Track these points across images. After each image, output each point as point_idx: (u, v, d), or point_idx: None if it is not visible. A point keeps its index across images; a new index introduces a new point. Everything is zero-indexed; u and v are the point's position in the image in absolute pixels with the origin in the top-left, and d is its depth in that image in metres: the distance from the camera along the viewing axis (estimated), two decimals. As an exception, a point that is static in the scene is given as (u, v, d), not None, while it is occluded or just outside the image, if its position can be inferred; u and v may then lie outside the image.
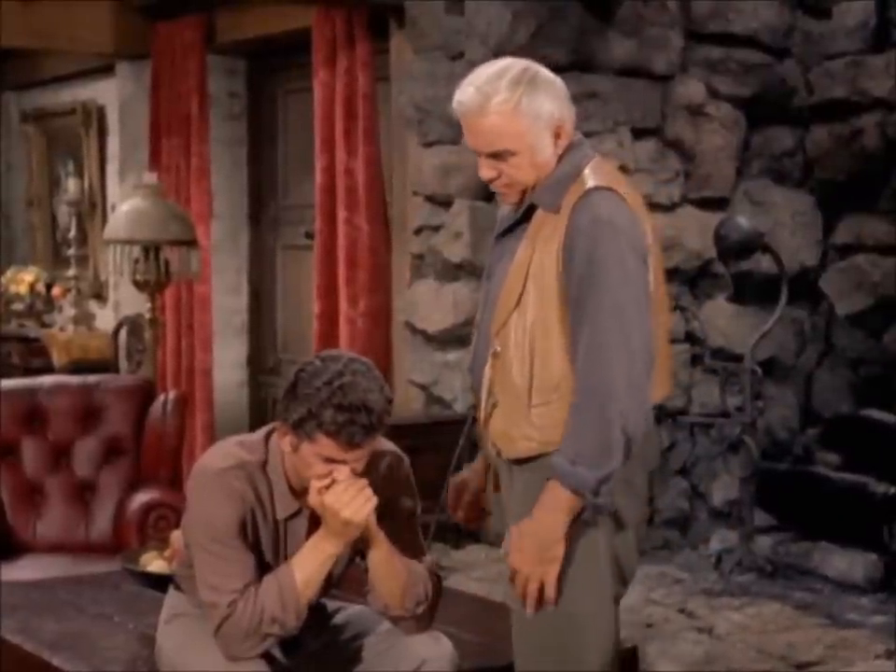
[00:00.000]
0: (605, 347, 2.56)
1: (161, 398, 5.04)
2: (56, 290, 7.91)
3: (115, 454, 5.01)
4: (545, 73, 2.69)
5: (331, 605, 3.06)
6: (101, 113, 7.68)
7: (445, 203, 5.45)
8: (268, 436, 2.89)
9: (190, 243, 5.78)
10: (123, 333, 6.83)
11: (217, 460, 2.84)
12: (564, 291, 2.61)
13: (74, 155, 7.98)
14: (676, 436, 5.33)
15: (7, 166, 8.65)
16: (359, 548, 2.89)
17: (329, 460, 2.71)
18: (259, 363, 7.33)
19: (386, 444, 2.96)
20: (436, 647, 2.91)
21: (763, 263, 5.27)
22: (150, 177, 5.77)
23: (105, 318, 7.57)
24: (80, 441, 4.99)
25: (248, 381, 7.35)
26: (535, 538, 2.60)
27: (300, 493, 2.83)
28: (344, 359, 2.75)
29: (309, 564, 2.80)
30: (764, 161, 5.64)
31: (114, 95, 7.52)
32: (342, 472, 2.73)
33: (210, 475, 2.83)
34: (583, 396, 2.58)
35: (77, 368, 6.89)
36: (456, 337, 5.37)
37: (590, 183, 2.64)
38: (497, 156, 2.65)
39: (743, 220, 4.93)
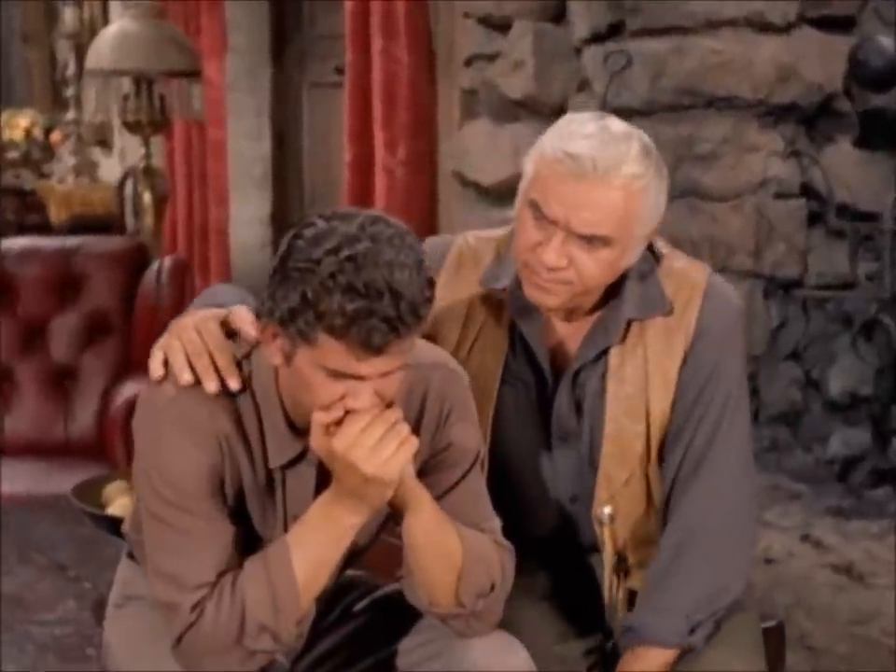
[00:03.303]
0: (736, 482, 2.26)
1: (156, 264, 4.36)
2: (55, 136, 7.49)
3: (99, 333, 4.38)
4: None
5: (350, 586, 2.16)
6: (100, -69, 7.12)
7: (503, 26, 4.75)
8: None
9: (191, 74, 5.04)
10: (130, 185, 6.14)
11: (175, 380, 1.94)
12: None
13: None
14: (787, 312, 4.50)
15: (-1, -3, 8.16)
16: (392, 511, 1.98)
17: (339, 375, 1.81)
18: (283, 220, 6.75)
19: (431, 353, 2.06)
20: (506, 657, 2.00)
21: (898, 100, 4.43)
22: (141, -8, 4.95)
23: (111, 168, 7.11)
24: (57, 317, 4.38)
25: (271, 241, 6.78)
26: None
27: (302, 429, 1.92)
28: (360, 218, 1.82)
29: (315, 541, 1.89)
30: (897, -28, 4.73)
31: None
32: (360, 397, 1.82)
33: (163, 404, 1.94)
34: (702, 541, 2.22)
35: (77, 225, 6.59)
36: (515, 190, 4.52)
37: (698, 271, 2.27)
38: (586, 241, 2.09)
39: (889, 42, 4.11)
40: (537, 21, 4.61)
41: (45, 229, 6.59)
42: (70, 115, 7.07)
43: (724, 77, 4.04)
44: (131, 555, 2.15)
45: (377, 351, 1.77)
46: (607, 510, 2.25)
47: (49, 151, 7.49)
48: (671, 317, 2.23)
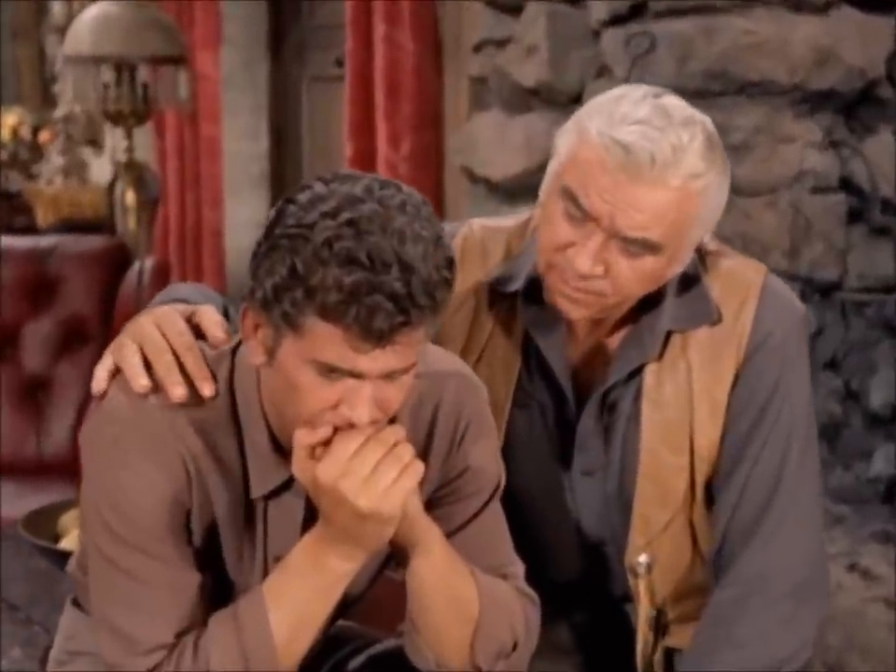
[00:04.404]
0: (809, 531, 1.96)
1: (136, 266, 4.07)
2: (44, 136, 7.25)
3: (75, 340, 4.09)
4: None
5: (341, 640, 1.82)
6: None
7: (514, 9, 4.54)
8: (235, 349, 1.66)
9: (177, 60, 4.80)
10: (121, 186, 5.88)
11: (129, 388, 1.62)
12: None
13: (62, -26, 7.23)
14: (825, 316, 4.23)
15: (-12, -7, 8.03)
16: (394, 553, 1.65)
17: (332, 372, 1.49)
18: (282, 222, 6.53)
19: (443, 360, 1.74)
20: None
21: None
22: (121, -30, 4.73)
23: (101, 169, 6.85)
24: (30, 323, 4.09)
25: (269, 244, 6.53)
26: None
27: (289, 450, 1.59)
28: (367, 180, 1.52)
29: (296, 593, 1.57)
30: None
31: None
32: (358, 404, 1.50)
33: (114, 418, 1.61)
34: (767, 599, 1.91)
35: (66, 227, 6.31)
36: (528, 186, 4.31)
37: (753, 270, 1.98)
38: (629, 244, 1.79)
39: (942, 20, 3.95)
40: (551, 3, 4.37)
41: (31, 232, 6.33)
42: (59, 112, 6.87)
43: (757, 61, 3.82)
44: (76, 602, 1.81)
45: (380, 338, 1.45)
46: (643, 558, 1.92)
47: (37, 151, 7.26)
48: (720, 327, 1.91)
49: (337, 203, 1.46)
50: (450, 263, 1.50)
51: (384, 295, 1.43)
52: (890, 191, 4.23)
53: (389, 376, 1.49)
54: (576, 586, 2.02)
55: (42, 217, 6.68)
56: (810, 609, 1.93)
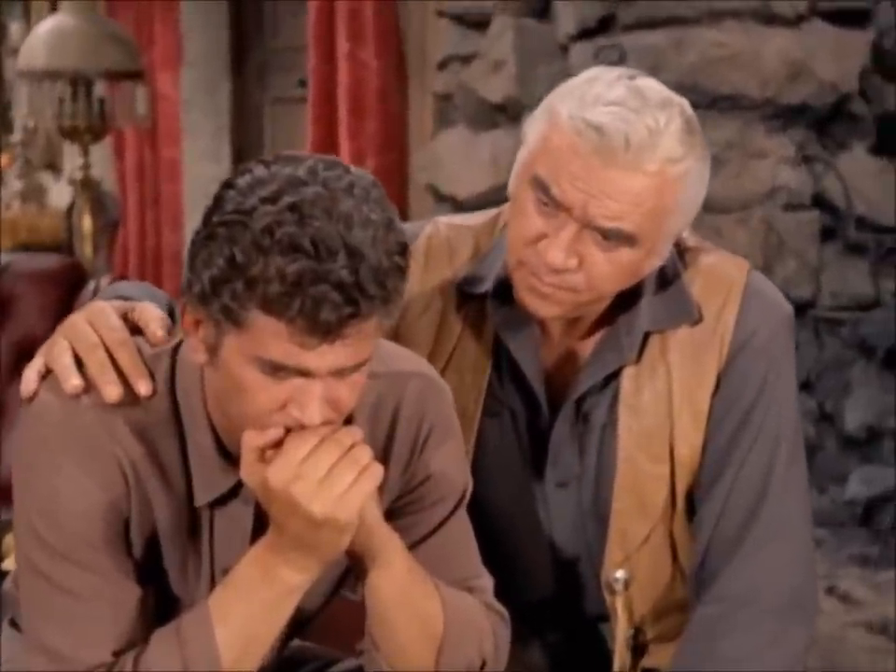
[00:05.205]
0: (797, 544, 1.85)
1: (91, 285, 3.96)
2: (2, 160, 7.03)
3: (29, 361, 3.87)
4: None
5: (296, 661, 1.71)
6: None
7: (480, 24, 4.53)
8: (177, 347, 1.55)
9: (135, 75, 4.73)
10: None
11: (59, 389, 1.52)
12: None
13: (21, -6, 7.23)
14: (797, 336, 4.17)
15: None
16: (351, 565, 1.54)
17: (278, 370, 1.38)
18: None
19: (404, 359, 1.64)
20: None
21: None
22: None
23: (60, 193, 6.71)
24: None
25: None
26: None
27: (236, 455, 1.48)
28: (311, 161, 1.41)
29: (245, 608, 1.45)
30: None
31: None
32: (307, 405, 1.39)
33: (43, 421, 1.50)
34: (752, 617, 1.81)
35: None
36: (495, 203, 4.26)
37: (735, 266, 1.85)
38: (604, 235, 1.68)
39: (917, 29, 4.00)
40: (518, 17, 4.37)
41: (-13, 259, 6.30)
42: (17, 136, 6.74)
43: (728, 74, 3.82)
44: (14, 623, 1.69)
45: (327, 331, 1.34)
46: (620, 574, 1.81)
47: (-6, 175, 7.24)
48: (700, 327, 1.81)
49: (278, 186, 1.36)
50: (403, 249, 1.39)
51: (329, 284, 1.33)
52: (865, 208, 4.22)
53: (340, 373, 1.39)
54: (549, 604, 1.91)
55: (-1, 242, 6.64)
56: (799, 624, 1.82)
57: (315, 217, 1.33)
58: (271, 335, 1.35)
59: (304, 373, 1.37)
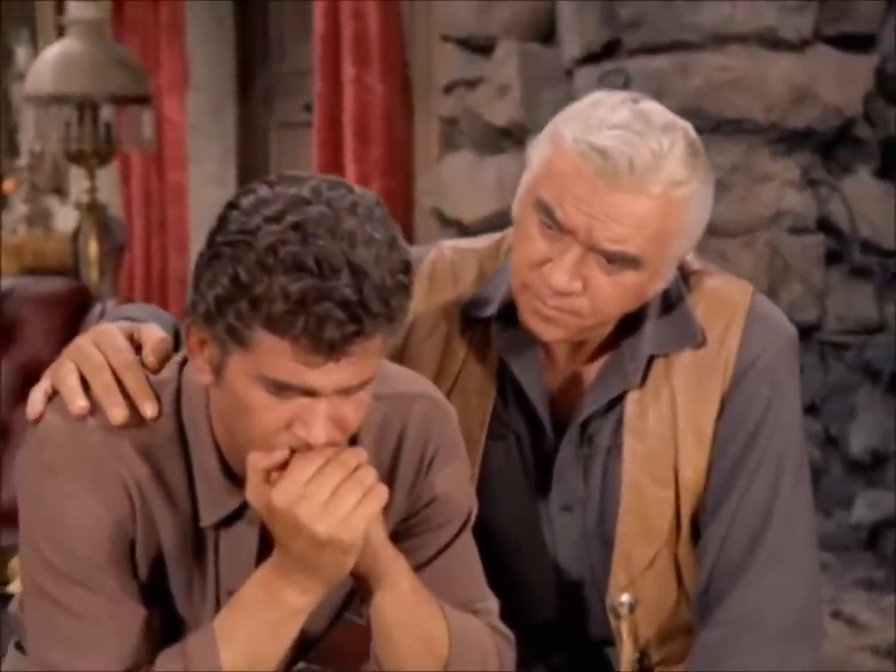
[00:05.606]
0: (802, 568, 1.84)
1: (97, 309, 3.99)
2: (7, 184, 7.16)
3: (35, 385, 3.92)
4: None
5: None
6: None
7: (485, 49, 4.55)
8: (182, 367, 1.56)
9: (141, 100, 4.74)
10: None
11: (65, 410, 1.52)
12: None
13: (27, 21, 7.18)
14: (803, 360, 4.16)
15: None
16: (356, 587, 1.55)
17: (282, 390, 1.39)
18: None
19: (410, 381, 1.64)
20: None
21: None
22: (83, 8, 4.56)
23: (66, 218, 6.78)
24: None
25: (236, 293, 6.52)
26: None
27: (241, 475, 1.49)
28: (314, 181, 1.42)
29: (250, 630, 1.45)
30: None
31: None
32: (313, 424, 1.40)
33: (49, 442, 1.51)
34: (757, 641, 1.79)
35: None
36: (501, 228, 4.28)
37: (739, 290, 1.86)
38: (608, 258, 1.69)
39: (920, 54, 4.02)
40: (523, 42, 4.39)
41: (-6, 284, 6.32)
42: (23, 160, 6.80)
43: (733, 98, 3.83)
44: (19, 646, 1.69)
45: (331, 349, 1.35)
46: (625, 598, 1.81)
47: (1, 200, 7.17)
48: (704, 350, 1.81)
49: (282, 206, 1.37)
50: (406, 267, 1.40)
51: (333, 302, 1.33)
52: (869, 232, 4.22)
53: (345, 392, 1.39)
54: (554, 627, 1.90)
55: (4, 266, 6.61)
56: (805, 647, 1.81)
57: (318, 235, 1.34)
58: (275, 354, 1.35)
59: (309, 392, 1.37)
